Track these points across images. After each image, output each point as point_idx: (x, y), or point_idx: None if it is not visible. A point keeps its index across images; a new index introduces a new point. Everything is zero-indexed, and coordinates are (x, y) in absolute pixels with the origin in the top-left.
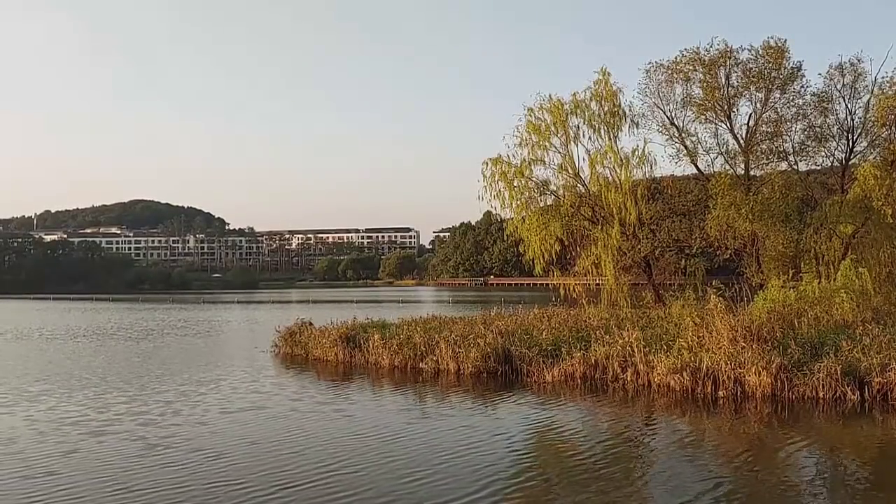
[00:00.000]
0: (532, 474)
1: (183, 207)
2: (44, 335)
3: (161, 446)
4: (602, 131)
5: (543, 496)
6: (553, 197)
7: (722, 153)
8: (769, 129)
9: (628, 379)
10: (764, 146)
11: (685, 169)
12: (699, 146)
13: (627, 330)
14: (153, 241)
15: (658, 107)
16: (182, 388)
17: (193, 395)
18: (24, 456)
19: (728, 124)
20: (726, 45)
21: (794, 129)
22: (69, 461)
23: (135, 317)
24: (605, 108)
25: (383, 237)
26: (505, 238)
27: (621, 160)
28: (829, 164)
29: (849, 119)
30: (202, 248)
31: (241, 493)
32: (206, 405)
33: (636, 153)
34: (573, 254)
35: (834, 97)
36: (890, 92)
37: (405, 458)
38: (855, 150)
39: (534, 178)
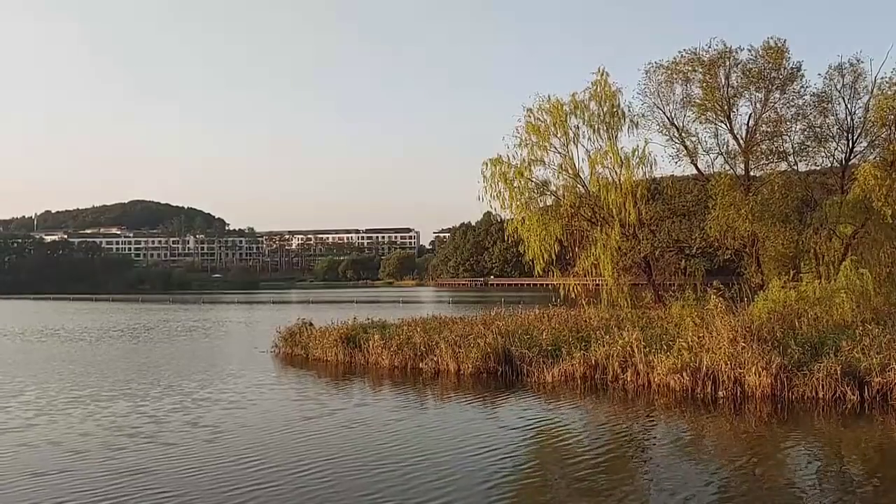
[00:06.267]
0: (532, 474)
1: (183, 207)
2: (66, 336)
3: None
4: (602, 132)
5: (543, 496)
6: (553, 197)
7: (722, 153)
8: (769, 130)
9: (628, 379)
10: (764, 146)
11: (685, 169)
12: (699, 146)
13: (627, 330)
14: (153, 242)
15: (658, 107)
16: (221, 393)
17: (238, 403)
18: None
19: (728, 124)
20: (725, 45)
21: (793, 129)
22: (144, 479)
23: (149, 317)
24: (605, 109)
25: (383, 237)
26: (505, 238)
27: (621, 160)
28: (829, 165)
29: (849, 119)
30: (202, 248)
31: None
32: (248, 412)
33: (636, 153)
34: (573, 254)
35: (834, 97)
36: (890, 92)
37: (405, 457)
38: (855, 150)
39: (533, 179)
